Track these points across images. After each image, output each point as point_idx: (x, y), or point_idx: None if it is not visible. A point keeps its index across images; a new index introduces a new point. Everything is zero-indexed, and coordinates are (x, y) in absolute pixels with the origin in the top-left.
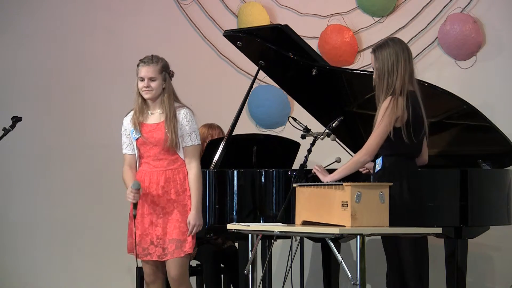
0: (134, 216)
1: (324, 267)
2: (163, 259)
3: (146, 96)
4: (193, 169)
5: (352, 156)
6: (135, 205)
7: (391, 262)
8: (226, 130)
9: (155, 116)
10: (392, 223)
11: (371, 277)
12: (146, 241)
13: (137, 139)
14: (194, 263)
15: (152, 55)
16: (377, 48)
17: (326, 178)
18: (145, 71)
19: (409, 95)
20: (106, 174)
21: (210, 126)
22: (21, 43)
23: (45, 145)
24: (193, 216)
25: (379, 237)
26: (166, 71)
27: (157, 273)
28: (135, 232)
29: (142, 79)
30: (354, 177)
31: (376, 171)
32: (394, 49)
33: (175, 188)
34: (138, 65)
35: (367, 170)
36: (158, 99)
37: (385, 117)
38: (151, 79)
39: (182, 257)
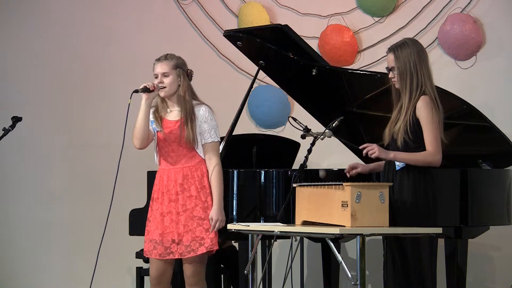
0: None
1: (324, 267)
2: (186, 257)
3: (161, 94)
4: (214, 165)
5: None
6: (147, 89)
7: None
8: (226, 130)
9: (174, 114)
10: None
11: (371, 277)
12: (168, 240)
13: (157, 131)
14: None
15: (167, 54)
16: (397, 48)
17: (389, 154)
18: (158, 67)
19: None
20: (106, 174)
21: None
22: (21, 43)
23: (45, 145)
24: (215, 212)
25: (380, 237)
26: (181, 68)
27: (164, 274)
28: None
29: (156, 76)
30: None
31: (398, 169)
32: (415, 48)
33: (195, 185)
34: (154, 64)
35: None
36: (174, 96)
37: (433, 115)
38: (164, 75)
39: (202, 254)
